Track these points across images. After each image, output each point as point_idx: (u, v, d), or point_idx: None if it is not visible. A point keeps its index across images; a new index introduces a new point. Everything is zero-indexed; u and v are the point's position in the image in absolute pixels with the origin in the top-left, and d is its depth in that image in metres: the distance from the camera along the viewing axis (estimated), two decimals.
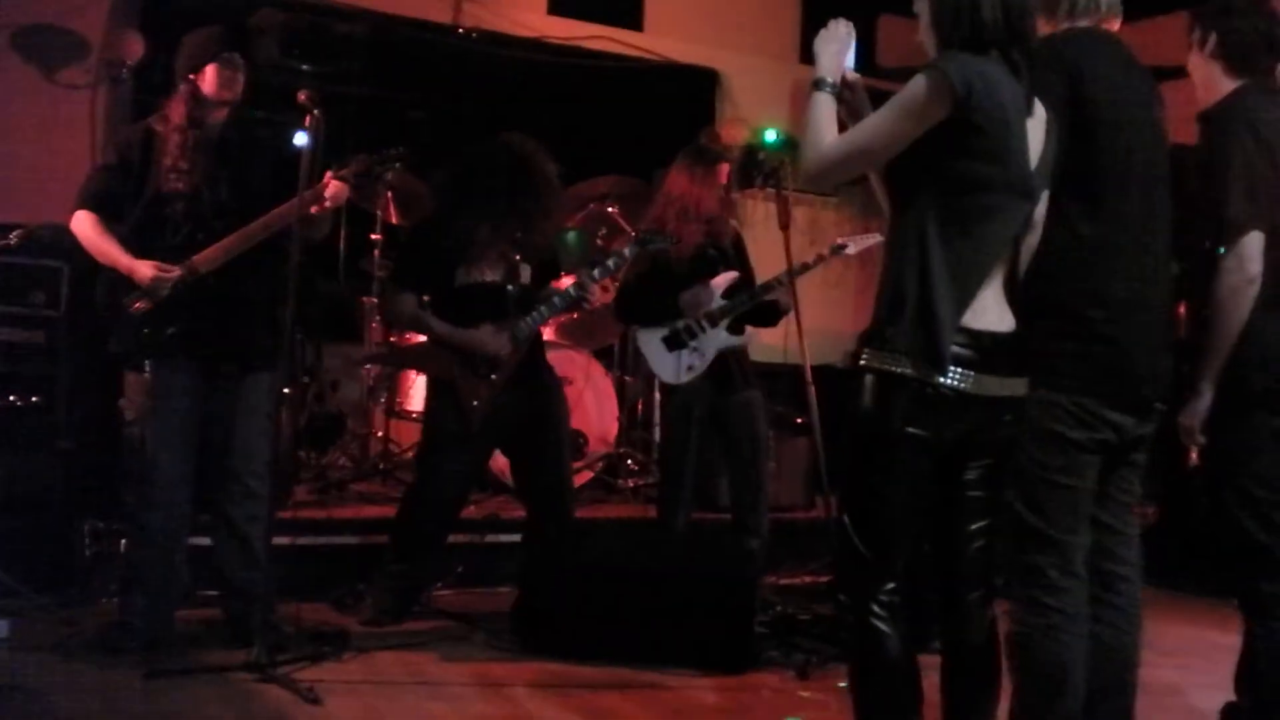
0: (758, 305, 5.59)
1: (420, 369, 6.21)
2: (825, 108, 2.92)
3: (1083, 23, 3.22)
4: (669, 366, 5.56)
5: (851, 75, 3.04)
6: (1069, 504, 3.09)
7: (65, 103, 7.12)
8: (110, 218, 4.54)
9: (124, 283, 4.46)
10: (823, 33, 3.04)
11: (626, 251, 5.42)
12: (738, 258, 5.74)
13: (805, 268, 5.58)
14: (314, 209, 4.53)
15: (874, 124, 2.83)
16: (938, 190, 2.79)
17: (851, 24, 3.04)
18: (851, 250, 5.70)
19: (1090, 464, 3.10)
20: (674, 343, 5.54)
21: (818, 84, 2.93)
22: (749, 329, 5.64)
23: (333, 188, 4.53)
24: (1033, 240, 3.02)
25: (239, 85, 4.60)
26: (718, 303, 5.55)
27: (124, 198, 4.55)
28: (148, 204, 4.52)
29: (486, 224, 5.14)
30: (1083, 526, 3.12)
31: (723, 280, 5.57)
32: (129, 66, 7.19)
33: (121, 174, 4.58)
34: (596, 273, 5.37)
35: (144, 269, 4.41)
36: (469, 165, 5.24)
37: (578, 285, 5.32)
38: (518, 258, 5.29)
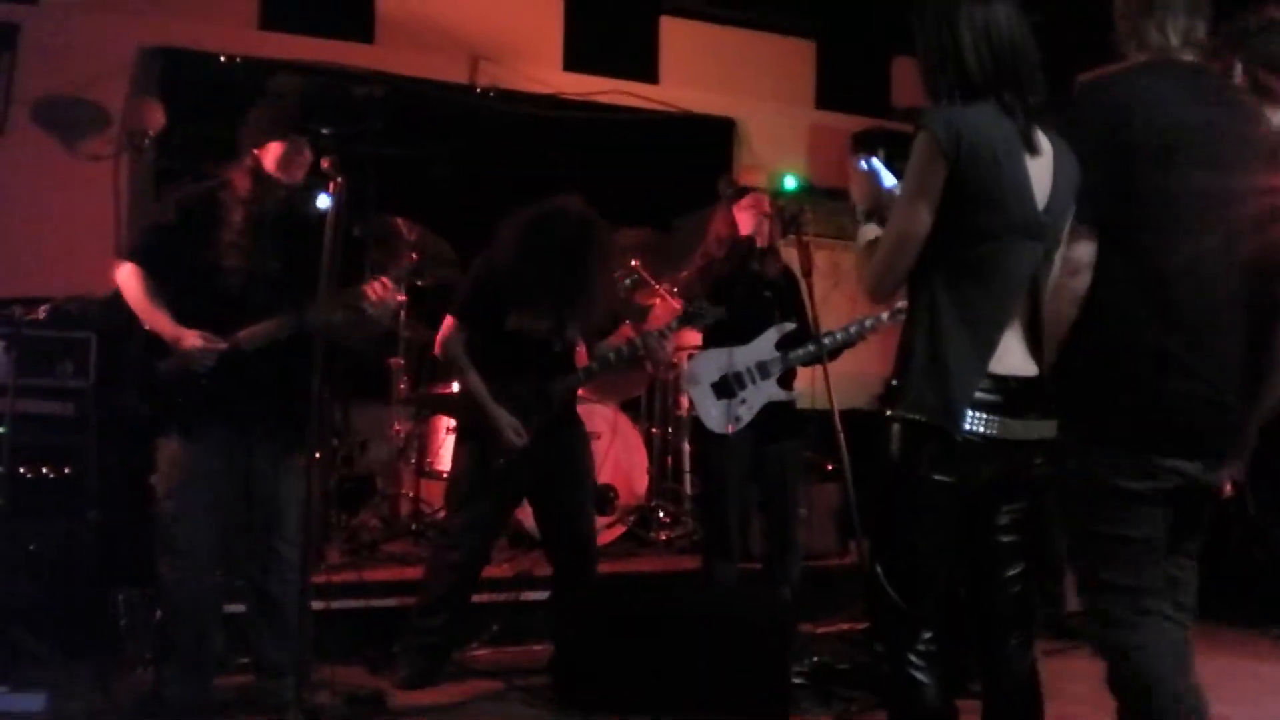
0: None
1: (451, 414, 6.21)
2: (872, 235, 3.00)
3: (1145, 57, 3.11)
4: (717, 416, 5.49)
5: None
6: (1128, 555, 2.98)
7: (88, 174, 7.18)
8: (156, 276, 4.45)
9: (159, 343, 4.40)
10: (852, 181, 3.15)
11: (660, 332, 5.43)
12: (793, 300, 5.71)
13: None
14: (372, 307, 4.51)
15: (899, 212, 2.86)
16: (941, 243, 2.81)
17: (865, 156, 3.16)
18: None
19: (1150, 516, 2.98)
20: (724, 391, 5.50)
21: (867, 215, 3.06)
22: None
23: (377, 290, 4.48)
24: (1078, 284, 2.94)
25: (303, 169, 4.59)
26: (771, 355, 5.53)
27: (173, 261, 4.45)
28: (201, 271, 4.44)
29: (540, 281, 5.09)
30: (1147, 574, 3.00)
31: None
32: (150, 136, 7.26)
33: (182, 235, 4.46)
34: (612, 356, 5.38)
35: (190, 340, 4.35)
36: (534, 222, 5.17)
37: (586, 371, 5.34)
38: (570, 330, 5.28)
